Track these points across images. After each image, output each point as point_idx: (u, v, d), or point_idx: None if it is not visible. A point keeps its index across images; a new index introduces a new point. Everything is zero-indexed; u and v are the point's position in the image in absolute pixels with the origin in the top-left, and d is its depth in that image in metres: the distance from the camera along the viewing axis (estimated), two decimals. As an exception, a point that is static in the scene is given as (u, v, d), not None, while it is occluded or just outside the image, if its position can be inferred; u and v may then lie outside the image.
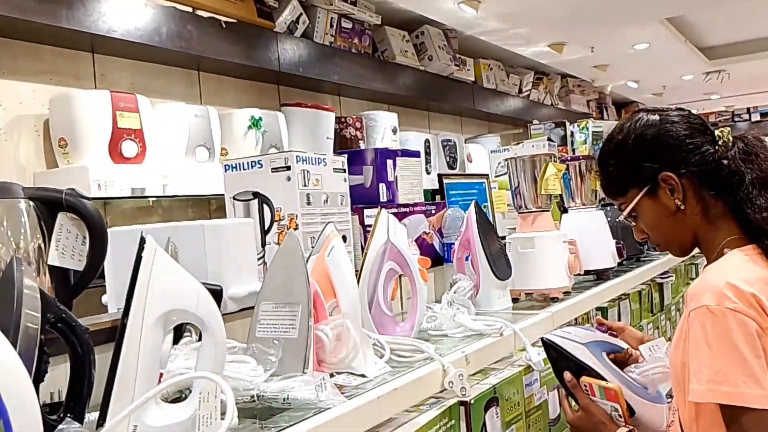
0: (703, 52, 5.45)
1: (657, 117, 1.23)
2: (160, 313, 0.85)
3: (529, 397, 1.48)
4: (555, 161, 1.90)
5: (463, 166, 4.08)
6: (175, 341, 1.03)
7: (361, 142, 3.46)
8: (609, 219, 2.17)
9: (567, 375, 1.36)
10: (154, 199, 2.29)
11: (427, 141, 3.85)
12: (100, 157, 2.10)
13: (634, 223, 1.29)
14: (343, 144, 3.35)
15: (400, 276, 1.48)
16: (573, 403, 1.39)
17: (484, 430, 1.29)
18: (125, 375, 0.82)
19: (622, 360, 1.40)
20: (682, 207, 1.19)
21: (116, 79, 2.47)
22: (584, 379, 1.33)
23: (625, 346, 1.43)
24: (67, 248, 1.00)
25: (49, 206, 1.01)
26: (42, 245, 1.00)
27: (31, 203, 0.99)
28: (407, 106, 4.15)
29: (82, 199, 1.01)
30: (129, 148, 2.17)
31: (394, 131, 3.67)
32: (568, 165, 2.10)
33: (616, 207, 1.34)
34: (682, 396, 1.11)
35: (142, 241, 0.88)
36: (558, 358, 1.38)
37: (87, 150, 2.09)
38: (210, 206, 2.67)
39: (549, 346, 1.39)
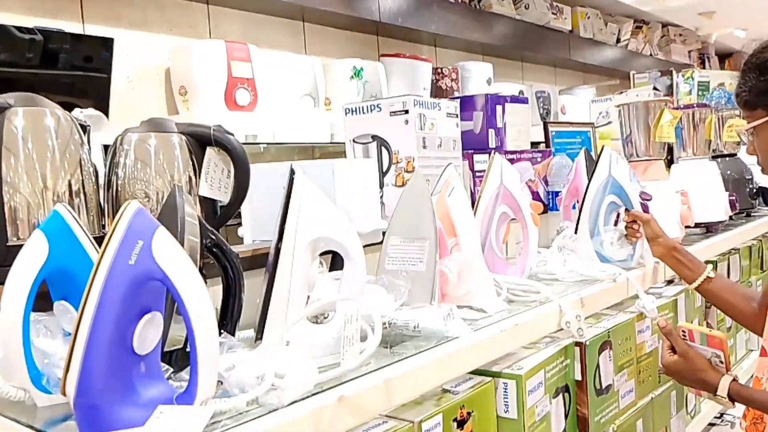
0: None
1: None
2: (310, 239, 0.90)
3: (641, 344, 1.48)
4: (670, 108, 1.85)
5: (556, 118, 3.99)
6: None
7: (456, 92, 3.45)
8: (721, 170, 2.10)
9: (661, 321, 1.33)
10: (265, 145, 2.37)
11: (521, 92, 3.79)
12: (217, 104, 2.18)
13: (750, 138, 1.25)
14: (438, 95, 3.34)
15: (511, 220, 1.50)
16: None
17: (598, 371, 1.31)
18: (280, 294, 0.88)
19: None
20: None
21: (228, 30, 2.55)
22: (682, 324, 1.31)
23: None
24: (215, 180, 1.07)
25: (199, 141, 1.08)
26: (193, 177, 1.07)
27: (183, 137, 1.06)
28: (502, 57, 4.08)
29: (229, 135, 1.08)
30: (242, 96, 2.25)
31: (489, 82, 3.63)
32: (681, 114, 2.04)
33: (741, 117, 1.30)
34: None
35: (292, 172, 0.93)
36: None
37: (205, 98, 2.18)
38: (314, 154, 2.74)
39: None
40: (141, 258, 0.74)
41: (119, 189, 1.03)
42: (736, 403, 1.23)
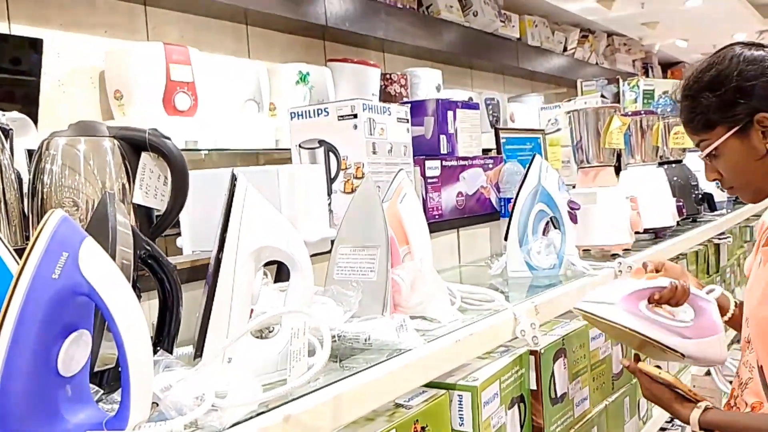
0: (758, 10, 5.26)
1: (761, 53, 1.17)
2: (253, 249, 0.85)
3: (595, 350, 1.47)
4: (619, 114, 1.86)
5: (506, 125, 4.02)
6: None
7: (405, 99, 3.43)
8: (668, 177, 2.12)
9: (624, 362, 1.28)
10: (206, 152, 2.29)
11: (470, 99, 3.79)
12: (155, 109, 2.10)
13: (709, 162, 1.22)
14: (387, 101, 3.32)
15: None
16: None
17: (553, 379, 1.28)
18: (221, 308, 0.82)
19: (669, 297, 1.27)
20: None
21: (166, 32, 2.46)
22: (640, 365, 1.25)
23: (666, 282, 1.29)
24: (151, 188, 1.01)
25: (133, 146, 1.01)
26: (126, 185, 1.00)
27: (116, 142, 0.99)
28: (451, 64, 4.08)
29: (165, 139, 1.01)
30: (182, 100, 2.17)
31: (438, 89, 3.62)
32: (630, 121, 2.05)
33: (694, 144, 1.27)
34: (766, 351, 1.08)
35: (233, 178, 0.87)
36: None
37: (142, 102, 2.09)
38: (258, 161, 2.67)
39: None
40: (66, 271, 0.67)
41: (45, 197, 0.95)
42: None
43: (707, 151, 1.21)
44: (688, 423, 1.17)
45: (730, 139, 1.17)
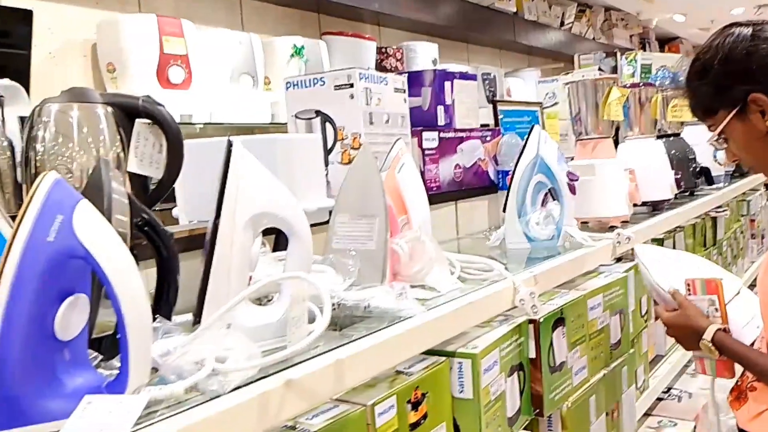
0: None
1: (749, 31, 1.15)
2: (250, 215, 0.84)
3: (593, 320, 1.47)
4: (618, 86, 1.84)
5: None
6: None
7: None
8: (666, 149, 2.11)
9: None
10: (201, 126, 2.27)
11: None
12: (149, 82, 2.07)
13: (725, 146, 1.23)
14: (383, 75, 3.29)
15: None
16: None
17: (552, 348, 1.28)
18: (219, 274, 0.81)
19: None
20: None
21: (159, 4, 2.42)
22: (687, 277, 1.32)
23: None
24: (145, 155, 0.99)
25: (126, 113, 0.99)
26: (121, 153, 0.98)
27: (109, 109, 0.98)
28: (447, 38, 4.04)
29: (159, 106, 1.00)
30: (176, 73, 2.14)
31: (434, 63, 3.59)
32: (628, 92, 2.04)
33: (707, 129, 1.27)
34: None
35: (230, 145, 0.86)
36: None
37: (135, 75, 2.06)
38: (253, 134, 2.65)
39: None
40: (61, 234, 0.66)
41: (38, 165, 0.94)
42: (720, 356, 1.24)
43: (714, 135, 1.21)
44: (702, 335, 1.23)
45: (732, 122, 1.17)
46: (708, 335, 1.23)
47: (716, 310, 1.27)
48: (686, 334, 1.29)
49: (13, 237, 0.65)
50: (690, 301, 1.30)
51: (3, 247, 0.65)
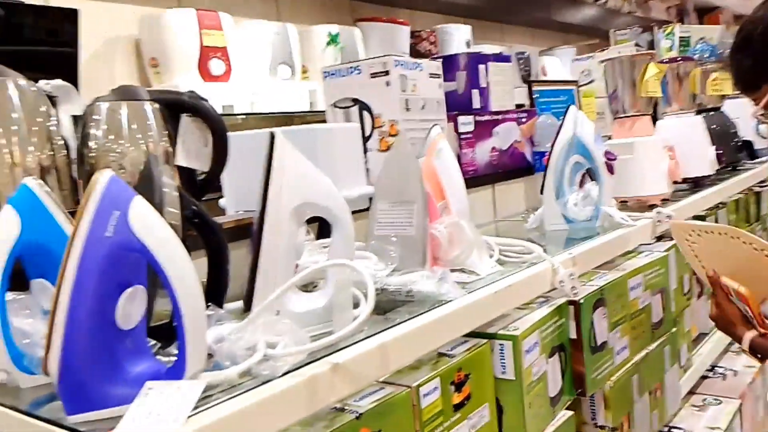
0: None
1: None
2: (294, 206, 0.87)
3: (633, 300, 1.47)
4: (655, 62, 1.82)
5: (537, 79, 3.95)
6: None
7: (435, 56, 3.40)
8: (706, 124, 2.08)
9: (710, 271, 1.28)
10: (243, 117, 2.32)
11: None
12: (191, 75, 2.12)
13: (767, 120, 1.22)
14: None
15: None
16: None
17: (593, 329, 1.29)
18: (267, 263, 0.84)
19: None
20: None
21: (196, -3, 2.47)
22: (723, 279, 1.25)
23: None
24: (192, 149, 1.03)
25: (171, 109, 1.03)
26: (168, 148, 1.02)
27: (156, 105, 1.01)
28: (480, 19, 4.01)
29: (203, 101, 1.03)
30: (216, 66, 2.18)
31: (468, 45, 3.57)
32: (666, 68, 2.01)
33: (751, 102, 1.25)
34: None
35: (272, 137, 0.89)
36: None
37: (177, 69, 2.11)
38: (294, 123, 2.68)
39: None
40: (118, 229, 0.70)
41: (92, 162, 0.98)
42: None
43: (758, 109, 1.19)
44: (740, 342, 1.19)
45: None
46: (745, 344, 1.19)
47: (752, 317, 1.21)
48: (729, 335, 1.27)
49: (74, 233, 0.69)
50: (729, 304, 1.24)
51: (65, 244, 0.69)
